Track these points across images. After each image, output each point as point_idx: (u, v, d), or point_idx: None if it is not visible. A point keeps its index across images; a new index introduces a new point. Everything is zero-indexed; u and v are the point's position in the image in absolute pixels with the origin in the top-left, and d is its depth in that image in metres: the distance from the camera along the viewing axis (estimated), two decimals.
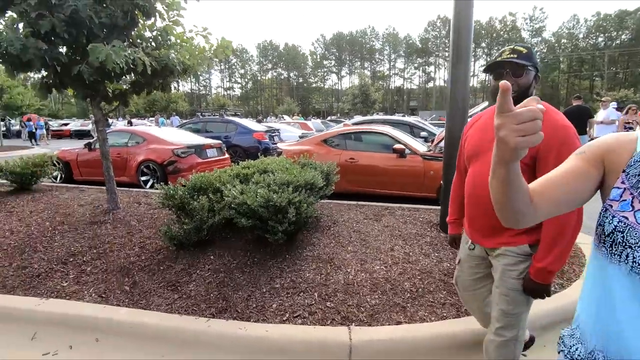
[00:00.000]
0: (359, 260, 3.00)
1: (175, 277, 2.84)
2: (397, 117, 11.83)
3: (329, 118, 30.17)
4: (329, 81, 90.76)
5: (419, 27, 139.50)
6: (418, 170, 5.64)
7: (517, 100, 1.39)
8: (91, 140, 7.76)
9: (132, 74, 3.94)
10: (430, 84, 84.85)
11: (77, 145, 8.39)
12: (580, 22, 68.61)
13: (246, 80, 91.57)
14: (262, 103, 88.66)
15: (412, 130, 9.17)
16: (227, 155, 8.21)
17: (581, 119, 7.34)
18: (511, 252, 1.51)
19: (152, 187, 6.88)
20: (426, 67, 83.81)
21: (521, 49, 1.38)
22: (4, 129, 23.48)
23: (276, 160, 4.30)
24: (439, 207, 4.20)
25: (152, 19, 3.85)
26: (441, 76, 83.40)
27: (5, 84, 15.82)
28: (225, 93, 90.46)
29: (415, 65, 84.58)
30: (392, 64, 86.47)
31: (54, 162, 6.36)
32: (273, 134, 10.64)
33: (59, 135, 26.27)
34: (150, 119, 32.94)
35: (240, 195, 3.01)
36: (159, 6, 3.74)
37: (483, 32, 75.29)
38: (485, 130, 1.55)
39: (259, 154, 9.51)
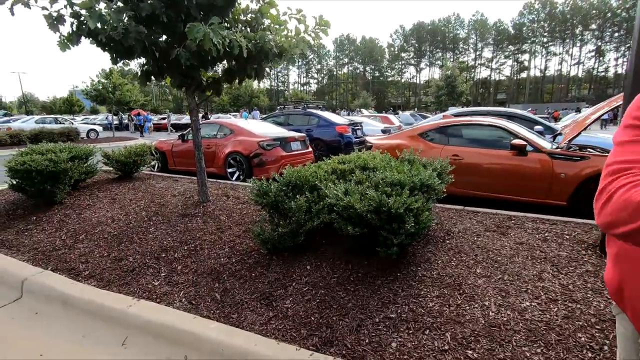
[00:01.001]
0: (497, 290, 2.28)
1: (269, 289, 2.45)
2: (502, 108, 10.36)
3: (409, 112, 28.69)
4: (406, 74, 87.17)
5: (512, 11, 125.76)
6: (544, 172, 4.57)
7: None
8: (184, 132, 8.07)
9: (227, 60, 3.70)
10: (523, 75, 76.07)
11: (173, 136, 8.85)
12: None
13: (322, 75, 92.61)
14: (337, 97, 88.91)
15: (519, 122, 7.82)
16: (310, 149, 7.90)
17: None
18: None
19: (237, 179, 6.85)
20: (519, 55, 75.17)
21: None
22: (116, 122, 26.97)
23: (375, 156, 3.72)
24: (583, 221, 3.24)
25: None
26: (537, 64, 74.26)
27: (117, 81, 17.88)
28: (302, 88, 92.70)
29: (507, 53, 76.43)
30: (478, 53, 79.45)
31: (152, 152, 6.66)
32: (356, 128, 10.09)
33: (157, 128, 29.29)
34: (234, 113, 35.01)
35: (345, 197, 2.49)
36: None
37: (594, 11, 64.75)
38: None
39: (347, 147, 9.06)
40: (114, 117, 23.97)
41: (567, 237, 3.08)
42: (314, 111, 10.77)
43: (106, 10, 3.06)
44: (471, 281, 2.39)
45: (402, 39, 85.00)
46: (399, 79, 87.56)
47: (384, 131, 12.19)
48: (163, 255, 3.04)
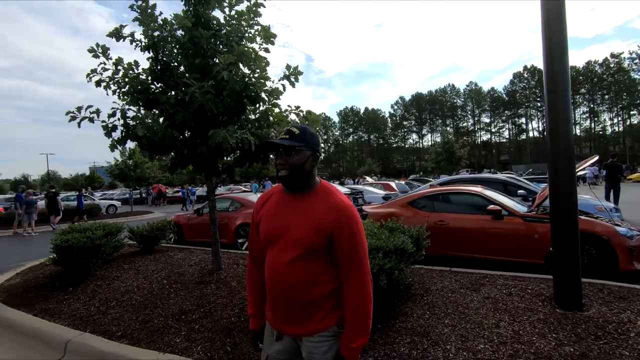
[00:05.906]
0: (458, 336, 2.75)
1: None
2: (487, 174, 11.10)
3: (411, 177, 29.77)
4: (409, 140, 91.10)
5: (504, 80, 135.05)
6: (518, 234, 5.11)
7: (292, 175, 1.38)
8: (200, 206, 8.91)
9: (239, 151, 4.59)
10: (523, 136, 78.83)
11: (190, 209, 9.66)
12: None
13: (329, 144, 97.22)
14: (344, 165, 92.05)
15: (507, 188, 8.45)
16: None
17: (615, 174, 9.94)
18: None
19: (247, 248, 7.46)
20: (516, 119, 78.80)
21: (295, 129, 1.41)
22: (137, 196, 28.60)
23: (364, 225, 4.37)
24: (551, 277, 3.70)
25: (257, 104, 4.53)
26: (535, 127, 77.20)
27: (139, 160, 19.52)
28: None
29: (503, 118, 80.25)
30: (476, 118, 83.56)
31: (171, 226, 7.41)
32: (357, 197, 10.85)
33: (172, 200, 30.72)
34: (246, 184, 36.61)
35: None
36: (263, 95, 4.42)
37: (581, 77, 69.17)
38: (278, 211, 1.45)
39: None
40: (134, 191, 25.46)
41: (529, 291, 3.55)
42: None
43: (149, 121, 4.05)
44: (438, 330, 2.86)
45: (402, 109, 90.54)
46: (403, 144, 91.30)
47: (385, 198, 12.91)
48: (183, 317, 3.57)
